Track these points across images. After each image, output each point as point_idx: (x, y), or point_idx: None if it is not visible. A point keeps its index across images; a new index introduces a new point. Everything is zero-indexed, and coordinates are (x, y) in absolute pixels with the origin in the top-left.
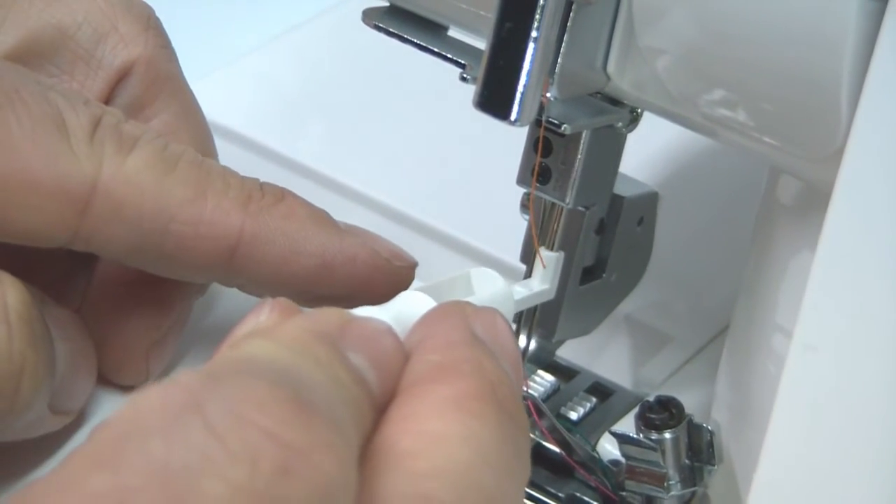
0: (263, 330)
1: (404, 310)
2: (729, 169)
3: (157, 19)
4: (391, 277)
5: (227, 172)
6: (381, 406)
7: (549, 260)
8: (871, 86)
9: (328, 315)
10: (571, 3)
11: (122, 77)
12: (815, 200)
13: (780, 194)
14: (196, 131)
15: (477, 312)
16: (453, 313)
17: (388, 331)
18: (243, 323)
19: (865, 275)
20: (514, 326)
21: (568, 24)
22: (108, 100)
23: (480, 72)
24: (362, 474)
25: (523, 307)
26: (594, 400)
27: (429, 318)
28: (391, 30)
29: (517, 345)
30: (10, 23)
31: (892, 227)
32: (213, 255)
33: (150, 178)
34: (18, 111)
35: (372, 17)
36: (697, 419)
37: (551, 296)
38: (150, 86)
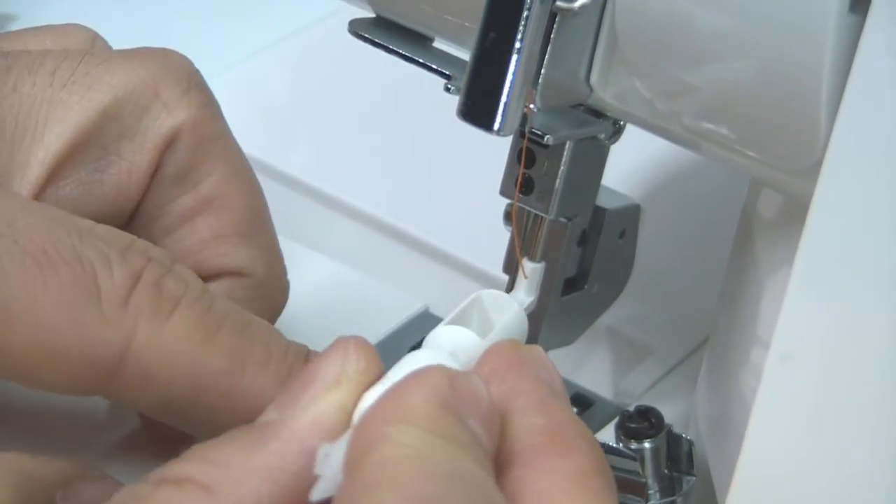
0: (393, 410)
1: (452, 345)
2: (710, 182)
3: (198, 74)
4: None
5: (272, 339)
6: None
7: (532, 271)
8: (850, 98)
9: (439, 379)
10: (555, 15)
11: (168, 145)
12: (793, 214)
13: (760, 208)
14: (246, 190)
15: (531, 354)
16: (520, 361)
17: (484, 385)
18: (326, 364)
19: (843, 284)
20: None
21: (552, 35)
22: (156, 169)
23: (464, 81)
24: None
25: None
26: (575, 410)
27: (495, 365)
28: (377, 40)
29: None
30: (53, 120)
31: (870, 237)
32: (237, 423)
33: (187, 346)
34: (46, 276)
35: (358, 28)
36: (676, 430)
37: (533, 307)
38: (197, 149)
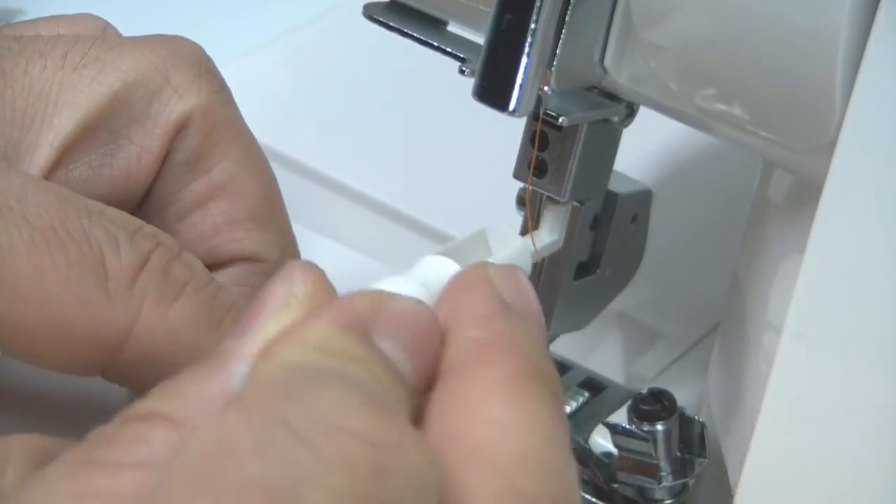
0: (291, 333)
1: (429, 275)
2: (723, 167)
3: (209, 60)
4: None
5: None
6: (419, 390)
7: (556, 212)
8: (865, 76)
9: (360, 302)
10: None
11: (179, 130)
12: (806, 198)
13: (773, 192)
14: (258, 176)
15: (500, 273)
16: (479, 281)
17: (423, 308)
18: (274, 292)
19: (857, 265)
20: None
21: (567, 16)
22: (167, 154)
23: (479, 63)
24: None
25: (536, 260)
26: (587, 394)
27: (455, 287)
28: (391, 24)
29: (538, 301)
30: (63, 103)
31: (884, 217)
32: None
33: (190, 332)
34: (54, 253)
35: (372, 12)
36: (689, 413)
37: (559, 246)
38: (208, 135)
